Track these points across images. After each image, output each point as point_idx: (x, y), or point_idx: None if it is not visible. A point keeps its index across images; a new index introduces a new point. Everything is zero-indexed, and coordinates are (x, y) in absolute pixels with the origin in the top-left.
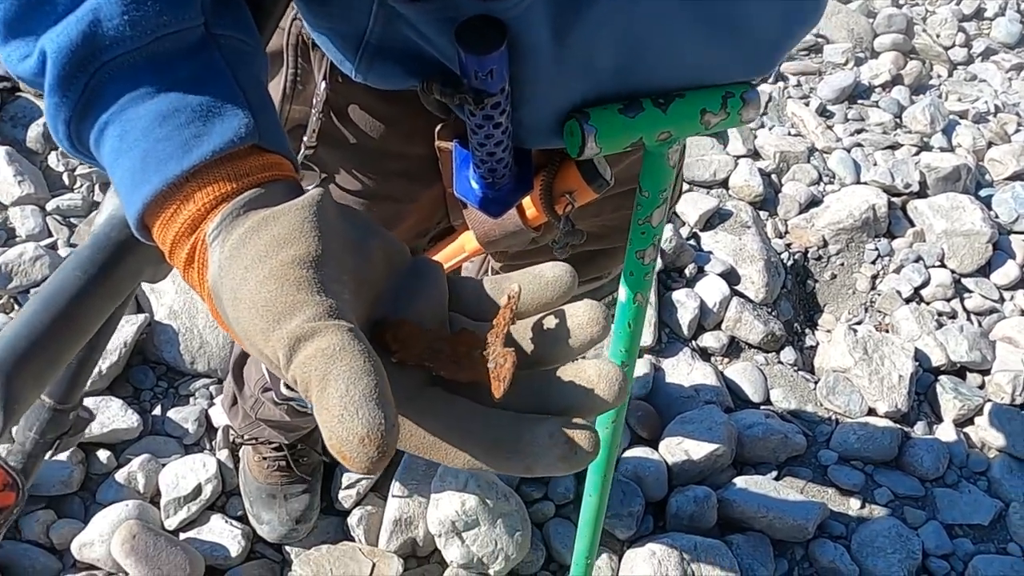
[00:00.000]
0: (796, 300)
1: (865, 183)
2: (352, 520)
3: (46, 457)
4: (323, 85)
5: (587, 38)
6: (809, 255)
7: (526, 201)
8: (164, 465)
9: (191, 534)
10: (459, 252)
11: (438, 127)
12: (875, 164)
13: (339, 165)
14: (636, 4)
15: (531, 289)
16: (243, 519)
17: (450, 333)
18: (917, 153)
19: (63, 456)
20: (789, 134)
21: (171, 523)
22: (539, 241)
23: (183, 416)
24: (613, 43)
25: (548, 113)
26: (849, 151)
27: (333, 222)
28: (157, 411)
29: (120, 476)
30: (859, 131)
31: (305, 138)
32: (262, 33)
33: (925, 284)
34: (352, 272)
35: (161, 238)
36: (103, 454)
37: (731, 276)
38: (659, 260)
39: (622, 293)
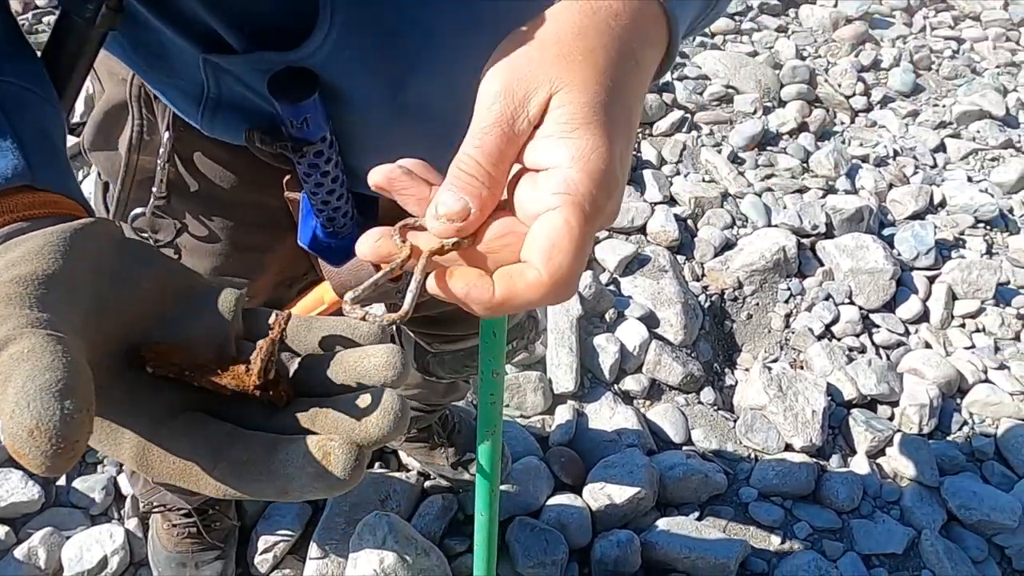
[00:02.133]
0: (715, 340)
1: (776, 225)
2: None
3: None
4: (167, 135)
5: (422, 89)
6: (725, 296)
7: None
8: (68, 538)
9: None
10: (318, 303)
11: (286, 178)
12: (784, 207)
13: (192, 215)
14: (467, 55)
15: (351, 361)
16: None
17: (215, 354)
18: (823, 196)
19: None
20: (703, 180)
21: None
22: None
23: (89, 485)
24: (448, 94)
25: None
26: (760, 195)
27: (89, 249)
28: (62, 481)
29: (19, 552)
30: (769, 176)
31: (154, 188)
32: (64, 87)
33: (835, 321)
34: (97, 296)
35: None
36: (1, 529)
37: (650, 319)
38: (579, 306)
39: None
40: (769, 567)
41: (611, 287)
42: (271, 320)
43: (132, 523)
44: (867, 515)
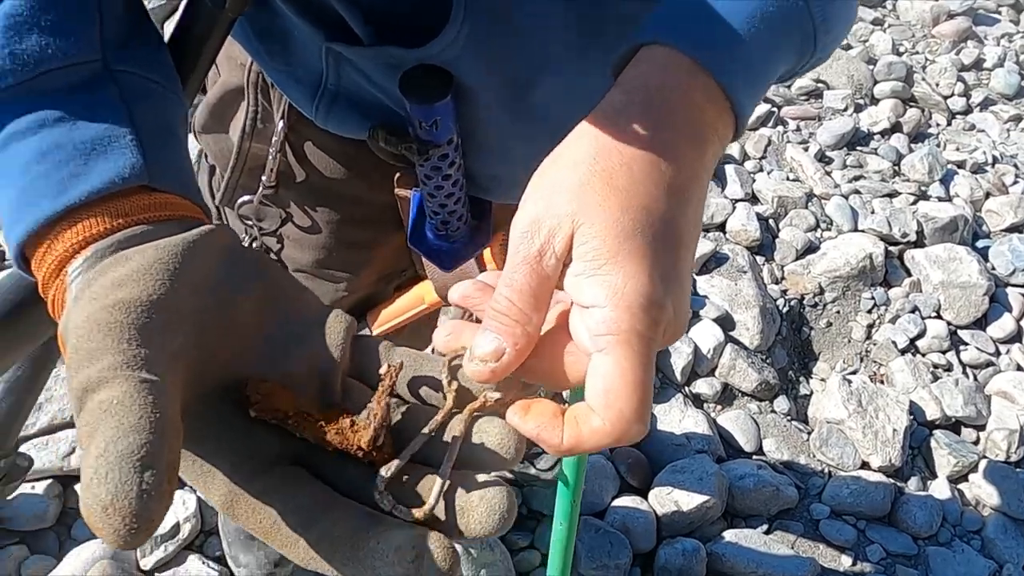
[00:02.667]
0: (791, 348)
1: (862, 231)
2: None
3: None
4: (281, 124)
5: (545, 91)
6: (805, 302)
7: (487, 255)
8: None
9: (167, 575)
10: (418, 303)
11: (397, 175)
12: (872, 212)
13: (298, 205)
14: (589, 58)
15: (461, 429)
16: (221, 560)
17: (319, 405)
18: (915, 202)
19: (40, 489)
20: (787, 179)
21: (147, 563)
22: None
23: None
24: (569, 96)
25: (511, 168)
26: (847, 198)
27: (198, 267)
28: None
29: None
30: (857, 178)
31: (264, 177)
32: (188, 74)
33: (921, 335)
34: (200, 321)
35: (38, 278)
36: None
37: (726, 321)
38: None
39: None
40: None
41: None
42: (383, 371)
43: None
44: (945, 543)
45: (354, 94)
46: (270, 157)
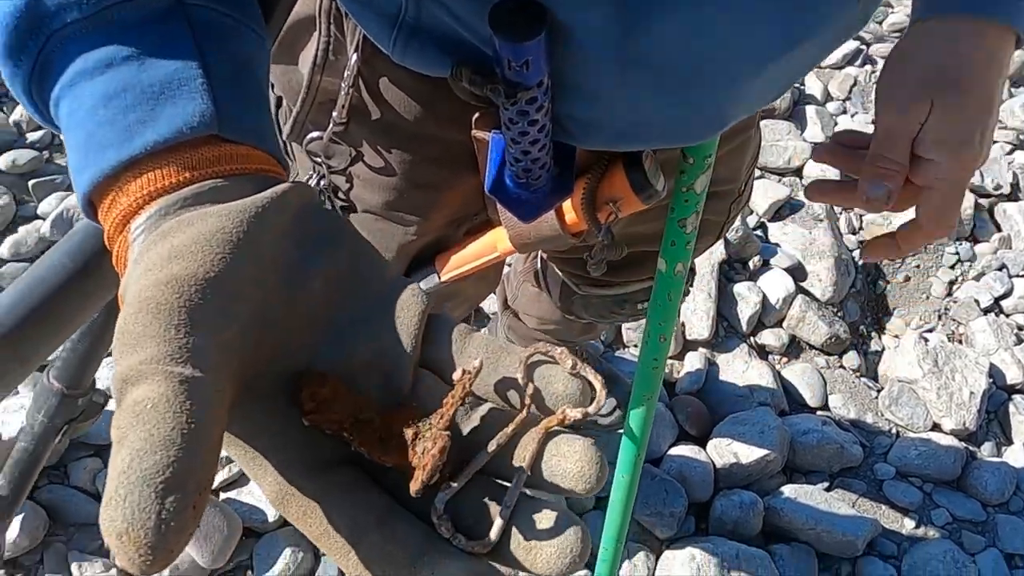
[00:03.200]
0: (864, 302)
1: None
2: None
3: (56, 442)
4: (355, 57)
5: (655, 35)
6: None
7: (566, 206)
8: None
9: (231, 494)
10: (490, 250)
11: (476, 115)
12: None
13: (370, 144)
14: (711, 4)
15: (537, 450)
16: None
17: (382, 400)
18: (1011, 152)
19: (110, 406)
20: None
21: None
22: (587, 240)
23: None
24: (683, 45)
25: (606, 115)
26: None
27: (265, 237)
28: None
29: None
30: None
31: (335, 113)
32: (272, 6)
33: (1007, 295)
34: (262, 302)
35: (105, 228)
36: None
37: (797, 272)
38: (723, 249)
39: (661, 263)
40: (899, 551)
41: (758, 232)
42: (456, 376)
43: None
44: (1017, 512)
45: (435, 28)
46: (342, 92)
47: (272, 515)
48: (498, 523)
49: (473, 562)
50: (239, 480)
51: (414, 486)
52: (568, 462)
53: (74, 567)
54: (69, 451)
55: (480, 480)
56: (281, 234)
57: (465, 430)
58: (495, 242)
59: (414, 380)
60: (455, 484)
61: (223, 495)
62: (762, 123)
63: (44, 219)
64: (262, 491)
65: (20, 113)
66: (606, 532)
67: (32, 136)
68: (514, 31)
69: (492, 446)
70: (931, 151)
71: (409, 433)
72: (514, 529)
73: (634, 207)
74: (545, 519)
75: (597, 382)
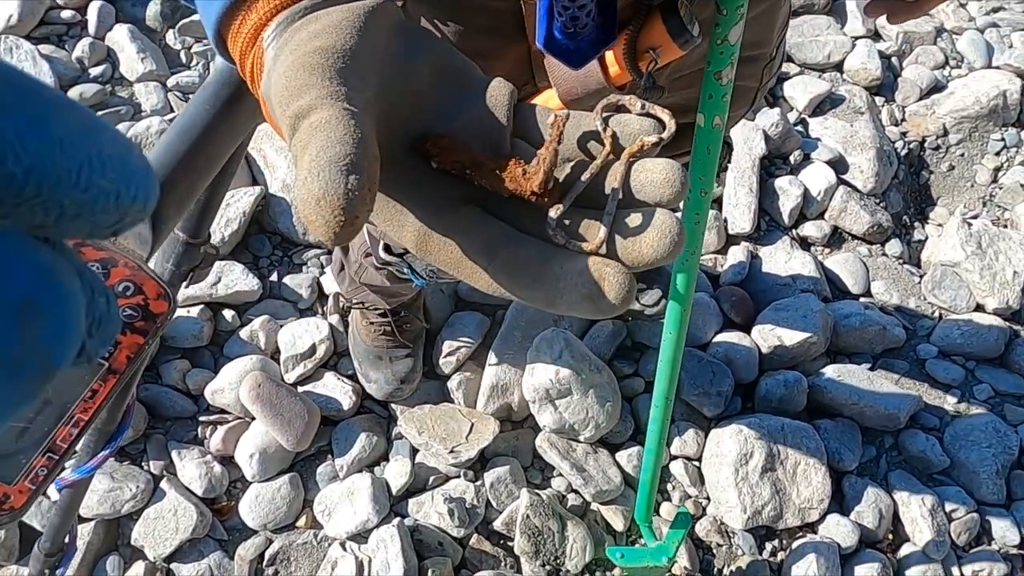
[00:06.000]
0: (907, 192)
1: (997, 67)
2: (452, 384)
3: (182, 287)
4: None
5: None
6: (926, 144)
7: (609, 59)
8: (282, 325)
9: (308, 388)
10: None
11: None
12: (1011, 46)
13: (428, 20)
14: None
15: (624, 172)
16: (353, 377)
17: (492, 157)
18: None
19: (194, 312)
20: None
21: (290, 377)
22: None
23: (297, 282)
24: None
25: None
26: (983, 32)
27: (379, 31)
28: (274, 277)
29: (244, 333)
30: (996, 9)
31: None
32: None
33: None
34: (382, 76)
35: (235, 53)
36: (228, 313)
37: (839, 164)
38: (763, 144)
39: (699, 118)
40: (941, 424)
41: (799, 127)
42: (549, 120)
43: (334, 319)
44: None
45: None
46: None
47: (347, 404)
48: (602, 230)
49: (592, 258)
50: (314, 375)
51: (535, 181)
52: (653, 173)
53: (174, 454)
54: (160, 354)
55: (580, 210)
56: (389, 32)
57: (560, 177)
58: (545, 102)
59: (512, 146)
60: (562, 206)
61: (301, 388)
62: (801, 19)
63: None
64: (402, 240)
65: (82, 49)
66: (656, 387)
67: (95, 71)
68: None
69: (586, 175)
70: None
71: (519, 168)
72: (616, 236)
73: (672, 54)
74: (638, 217)
75: (665, 115)
